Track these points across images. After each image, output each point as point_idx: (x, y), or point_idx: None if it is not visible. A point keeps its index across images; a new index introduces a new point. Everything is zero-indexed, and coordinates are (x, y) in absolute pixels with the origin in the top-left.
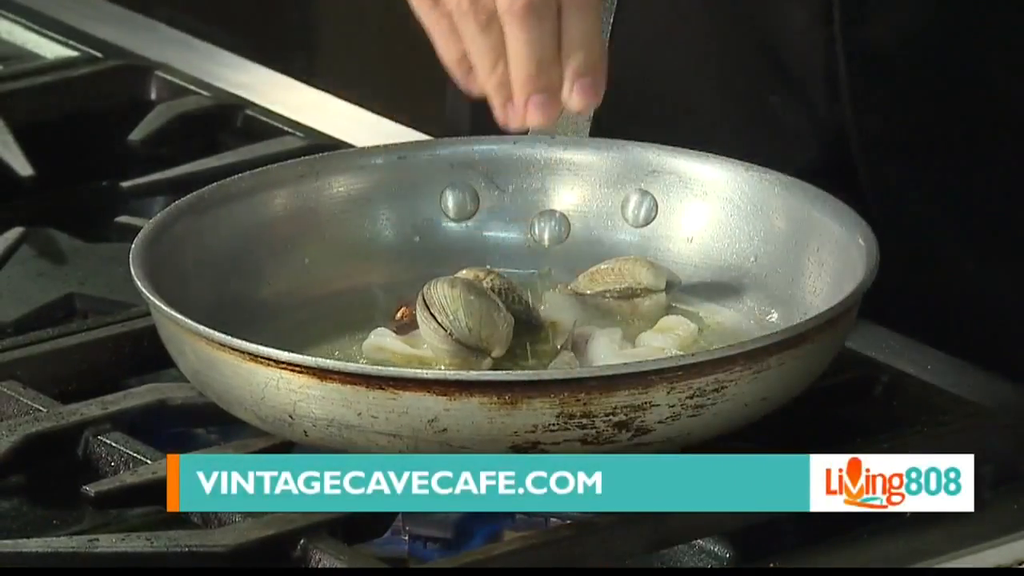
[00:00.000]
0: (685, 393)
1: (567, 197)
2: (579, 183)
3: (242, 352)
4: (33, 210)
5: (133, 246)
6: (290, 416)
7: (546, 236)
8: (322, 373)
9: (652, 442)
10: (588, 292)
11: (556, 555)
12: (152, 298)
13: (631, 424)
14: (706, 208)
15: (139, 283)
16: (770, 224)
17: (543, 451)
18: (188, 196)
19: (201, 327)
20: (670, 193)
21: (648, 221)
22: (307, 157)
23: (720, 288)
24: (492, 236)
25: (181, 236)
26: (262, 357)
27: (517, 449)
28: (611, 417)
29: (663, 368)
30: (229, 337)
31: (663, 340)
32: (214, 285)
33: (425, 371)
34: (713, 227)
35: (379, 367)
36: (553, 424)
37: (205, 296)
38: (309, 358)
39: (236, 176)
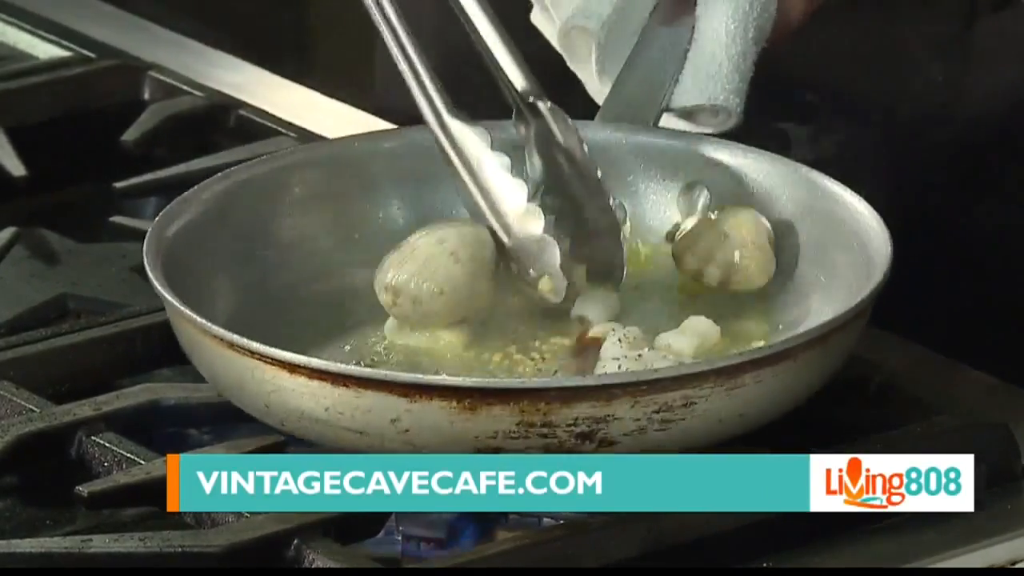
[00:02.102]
0: (650, 408)
1: (626, 184)
2: (638, 171)
3: (220, 339)
4: (26, 210)
5: (148, 233)
6: (266, 406)
7: None
8: (291, 367)
9: (620, 454)
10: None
11: (549, 555)
12: (156, 283)
13: (594, 436)
14: (759, 205)
15: (148, 265)
16: (809, 229)
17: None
18: (209, 180)
19: (185, 310)
20: (725, 187)
21: (703, 213)
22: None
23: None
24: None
25: (198, 226)
26: (237, 346)
27: (480, 454)
28: (573, 428)
29: (625, 383)
30: (208, 323)
31: (681, 343)
32: (236, 275)
33: (386, 372)
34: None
35: (342, 365)
36: (514, 431)
37: (227, 285)
38: (278, 351)
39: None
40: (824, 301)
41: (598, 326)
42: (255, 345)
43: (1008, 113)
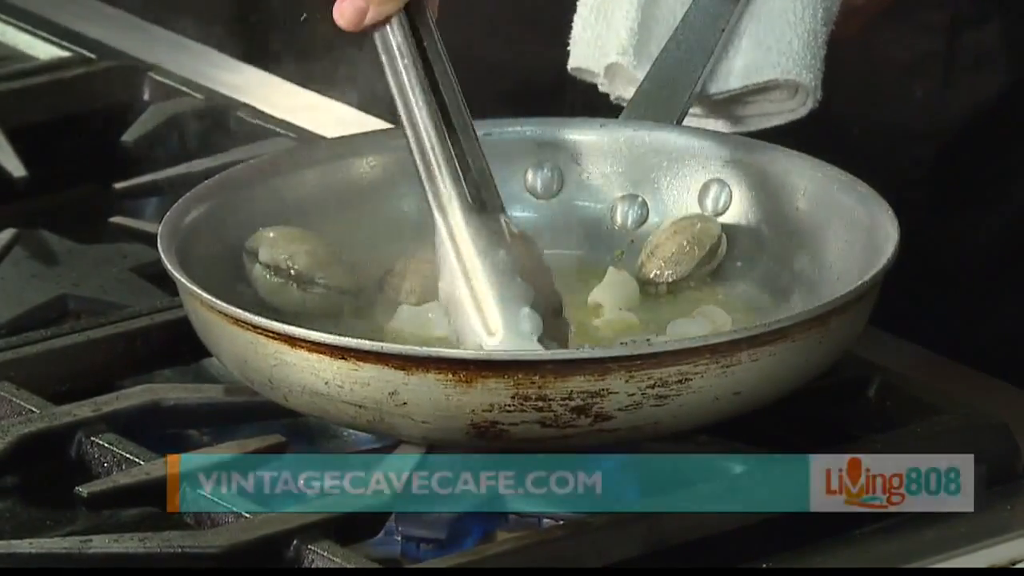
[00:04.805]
0: (645, 383)
1: (648, 182)
2: (660, 169)
3: (225, 315)
4: (26, 211)
5: (163, 220)
6: (269, 380)
7: (627, 220)
8: (291, 340)
9: (617, 429)
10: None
11: (550, 555)
12: (168, 263)
13: (589, 409)
14: (778, 202)
15: (162, 249)
16: (824, 221)
17: (503, 431)
18: (225, 172)
19: (194, 287)
20: (744, 184)
21: (724, 210)
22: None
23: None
24: (573, 216)
25: (212, 215)
26: (241, 321)
27: (477, 428)
28: (568, 401)
29: (619, 356)
30: (213, 299)
31: (692, 330)
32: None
33: (383, 344)
34: (780, 220)
35: (340, 337)
36: (509, 405)
37: (238, 275)
38: (279, 324)
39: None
40: (838, 291)
41: (611, 313)
42: (257, 319)
43: (989, 127)
